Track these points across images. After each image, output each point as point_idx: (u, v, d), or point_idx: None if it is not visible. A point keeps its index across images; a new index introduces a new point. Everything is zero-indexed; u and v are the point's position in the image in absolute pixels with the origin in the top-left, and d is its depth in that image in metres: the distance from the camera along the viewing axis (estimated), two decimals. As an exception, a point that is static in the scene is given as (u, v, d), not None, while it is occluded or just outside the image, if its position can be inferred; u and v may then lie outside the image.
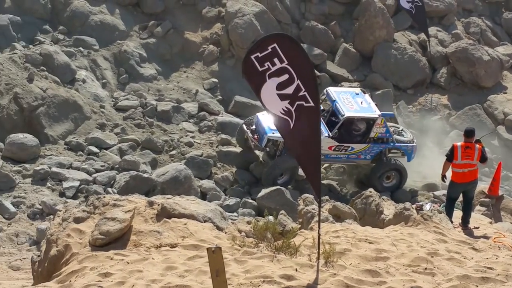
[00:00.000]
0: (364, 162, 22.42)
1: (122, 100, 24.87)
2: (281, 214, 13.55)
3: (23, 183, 20.50)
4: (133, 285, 9.23)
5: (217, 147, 23.57)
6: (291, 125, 9.62)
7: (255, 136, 21.68)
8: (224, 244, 10.74)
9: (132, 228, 11.14)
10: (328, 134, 21.27)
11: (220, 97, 26.43)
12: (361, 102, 22.04)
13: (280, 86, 9.50)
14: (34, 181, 20.60)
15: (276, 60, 9.45)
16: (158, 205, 11.78)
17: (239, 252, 10.34)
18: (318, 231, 10.17)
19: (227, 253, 10.13)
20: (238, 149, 23.23)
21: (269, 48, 9.45)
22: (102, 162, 21.84)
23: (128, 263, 10.05)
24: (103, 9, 27.42)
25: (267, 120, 21.07)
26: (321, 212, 11.17)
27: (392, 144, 22.23)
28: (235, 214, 20.16)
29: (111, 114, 24.18)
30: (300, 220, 13.20)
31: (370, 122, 21.80)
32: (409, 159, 22.72)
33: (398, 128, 23.34)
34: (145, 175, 21.14)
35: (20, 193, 20.00)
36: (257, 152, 22.82)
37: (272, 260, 9.95)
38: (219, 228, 11.85)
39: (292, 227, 12.19)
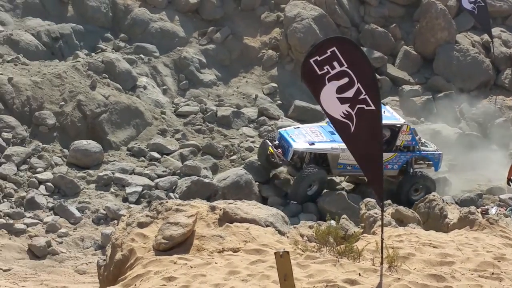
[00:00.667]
0: (392, 173, 21.44)
1: (183, 106, 25.08)
2: (343, 218, 13.48)
3: (87, 189, 20.81)
4: (196, 289, 9.29)
5: (278, 151, 23.53)
6: (352, 129, 9.56)
7: (279, 151, 20.86)
8: (286, 248, 10.72)
9: (195, 232, 11.21)
10: None
11: (279, 101, 26.43)
12: (384, 112, 21.53)
13: (340, 90, 9.45)
14: (98, 187, 20.89)
15: (335, 63, 9.40)
16: (220, 210, 11.84)
17: (301, 257, 10.33)
18: (381, 235, 10.08)
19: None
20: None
21: (328, 51, 9.40)
22: (164, 168, 22.04)
23: (191, 267, 10.12)
24: (163, 16, 27.69)
25: (291, 134, 20.93)
26: (384, 216, 11.08)
27: (418, 152, 21.51)
28: (296, 218, 20.11)
29: (172, 120, 24.39)
30: (362, 224, 13.12)
31: (395, 129, 21.12)
32: (436, 169, 21.93)
33: (421, 139, 22.36)
34: (206, 180, 21.25)
35: (85, 199, 20.31)
36: (279, 169, 22.36)
37: (335, 264, 9.91)
38: (281, 233, 11.85)
39: (354, 232, 12.13)
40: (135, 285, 9.98)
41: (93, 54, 25.65)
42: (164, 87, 25.74)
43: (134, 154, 22.73)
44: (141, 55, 26.21)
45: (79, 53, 25.54)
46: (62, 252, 18.16)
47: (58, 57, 25.44)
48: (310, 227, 12.95)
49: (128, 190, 20.81)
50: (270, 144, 21.13)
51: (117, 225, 12.54)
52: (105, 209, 19.92)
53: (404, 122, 21.24)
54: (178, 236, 10.99)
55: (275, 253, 3.83)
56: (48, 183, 20.55)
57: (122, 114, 23.44)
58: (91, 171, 21.45)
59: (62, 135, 22.66)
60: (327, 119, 21.14)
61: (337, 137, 19.92)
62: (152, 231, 11.56)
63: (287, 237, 11.72)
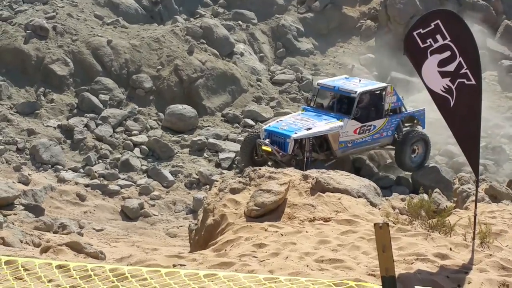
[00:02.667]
0: (387, 140, 20.23)
1: (279, 74, 25.08)
2: (436, 192, 13.28)
3: (181, 153, 21.10)
4: (286, 257, 9.31)
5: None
6: (451, 103, 9.38)
7: (276, 147, 18.74)
8: (377, 220, 10.65)
9: (286, 201, 11.22)
10: (350, 117, 19.35)
11: (375, 73, 26.15)
12: (359, 81, 20.42)
13: (442, 63, 9.28)
14: (191, 151, 21.16)
15: (438, 36, 9.22)
16: (313, 179, 11.81)
17: (392, 229, 10.22)
18: (475, 210, 9.89)
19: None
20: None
21: (432, 24, 9.23)
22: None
23: (282, 235, 10.15)
24: (263, -17, 27.70)
25: (280, 127, 19.16)
26: (478, 192, 10.87)
27: (406, 113, 20.39)
28: (388, 191, 19.93)
29: (267, 87, 24.44)
30: (455, 199, 12.89)
31: (381, 93, 20.01)
32: (423, 126, 20.62)
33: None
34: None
35: (178, 163, 20.61)
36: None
37: (426, 238, 9.78)
38: (372, 204, 11.76)
39: (446, 206, 11.94)
40: (226, 250, 10.07)
41: (191, 19, 25.86)
42: (261, 54, 25.79)
43: (228, 120, 22.90)
44: (239, 22, 26.29)
45: (178, 17, 25.80)
46: (154, 215, 18.49)
47: (157, 21, 25.76)
48: (402, 199, 12.80)
49: (221, 156, 21.01)
50: (265, 142, 18.98)
51: (209, 190, 12.66)
52: (197, 173, 20.17)
53: (388, 84, 20.31)
54: (269, 203, 11.02)
55: (374, 224, 3.79)
56: (142, 146, 20.94)
57: (218, 80, 23.61)
58: (185, 136, 21.73)
59: (158, 98, 22.99)
60: (302, 107, 20.70)
61: (326, 117, 19.61)
62: (244, 197, 11.62)
63: (379, 209, 11.63)
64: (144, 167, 20.26)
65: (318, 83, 20.76)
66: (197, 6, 26.73)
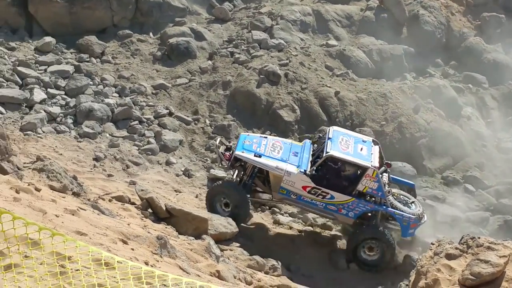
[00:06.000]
0: (347, 220, 18.02)
1: (506, 142, 24.33)
2: None
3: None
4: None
5: None
6: None
7: (227, 154, 18.20)
8: None
9: (504, 274, 10.85)
10: (304, 170, 17.53)
11: None
12: (361, 149, 17.91)
13: None
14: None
15: None
16: (534, 255, 11.34)
17: None
18: None
19: None
20: None
21: None
22: (477, 202, 21.55)
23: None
24: (498, 47, 27.14)
25: (246, 140, 18.34)
26: None
27: (383, 207, 17.61)
28: None
29: (492, 154, 23.78)
30: None
31: (358, 171, 17.55)
32: (403, 234, 17.91)
33: (409, 199, 18.62)
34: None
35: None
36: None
37: None
38: None
39: None
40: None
41: (420, 78, 25.81)
42: (489, 119, 25.19)
43: (447, 183, 22.50)
44: (469, 85, 25.91)
45: (407, 75, 25.85)
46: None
47: (385, 76, 25.90)
48: None
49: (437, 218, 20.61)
50: (223, 144, 18.74)
51: (424, 253, 12.49)
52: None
53: (371, 167, 17.35)
54: (486, 274, 10.70)
55: None
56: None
57: (441, 141, 23.30)
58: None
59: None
60: (305, 140, 18.87)
61: (293, 159, 17.88)
62: (460, 264, 11.36)
63: None
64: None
65: (330, 128, 19.02)
66: (427, 65, 26.65)
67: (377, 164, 17.60)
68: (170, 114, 22.84)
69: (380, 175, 17.42)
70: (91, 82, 23.35)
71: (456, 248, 11.85)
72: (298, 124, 23.15)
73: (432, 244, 12.70)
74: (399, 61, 26.39)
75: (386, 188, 17.74)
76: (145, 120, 22.28)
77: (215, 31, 26.72)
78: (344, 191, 17.57)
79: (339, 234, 19.35)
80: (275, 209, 19.74)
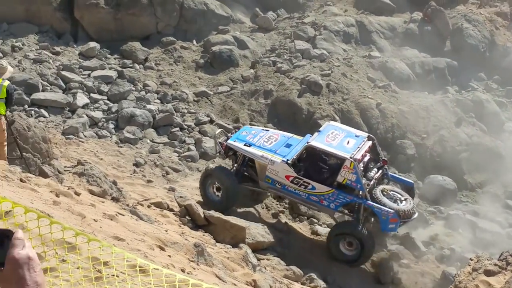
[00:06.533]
0: (328, 211, 18.11)
1: (549, 158, 24.10)
2: None
3: (434, 224, 20.75)
4: None
5: None
6: None
7: (224, 144, 18.58)
8: None
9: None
10: (287, 159, 17.62)
11: None
12: (348, 142, 17.76)
13: None
14: (446, 224, 20.74)
15: None
16: None
17: None
18: None
19: None
20: None
21: None
22: (519, 220, 21.34)
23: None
24: (543, 61, 26.89)
25: (244, 132, 19.03)
26: None
27: (363, 200, 17.25)
28: None
29: (533, 170, 23.54)
30: None
31: (336, 162, 17.39)
32: (383, 228, 17.49)
33: (402, 196, 18.09)
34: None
35: (432, 234, 20.24)
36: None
37: None
38: None
39: None
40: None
41: (463, 91, 25.61)
42: (532, 135, 24.94)
43: (487, 198, 22.24)
44: (512, 100, 25.69)
45: (449, 88, 25.68)
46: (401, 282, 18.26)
47: (428, 89, 25.75)
48: None
49: (478, 234, 20.37)
50: (224, 134, 19.21)
51: (462, 268, 12.39)
52: (449, 249, 19.71)
53: (350, 158, 17.03)
54: (525, 292, 10.60)
55: None
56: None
57: (483, 156, 23.07)
58: (441, 208, 21.38)
59: (418, 166, 22.88)
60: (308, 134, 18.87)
61: (283, 150, 18.09)
62: (498, 281, 11.26)
63: None
64: (397, 233, 20.13)
65: (327, 122, 19.27)
66: (470, 79, 26.44)
67: (359, 157, 17.39)
68: (211, 121, 22.96)
69: (358, 167, 17.12)
70: (133, 88, 23.58)
71: (495, 265, 11.75)
72: (338, 135, 23.09)
73: (471, 259, 12.60)
74: (442, 74, 26.24)
75: (371, 182, 17.68)
76: (186, 127, 22.42)
77: (258, 40, 26.81)
78: (325, 182, 17.57)
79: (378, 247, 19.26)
80: (313, 219, 19.68)
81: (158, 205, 16.04)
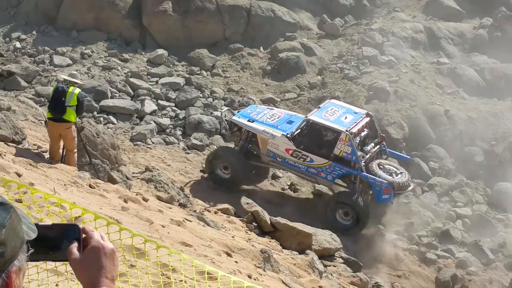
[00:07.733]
0: (325, 183, 19.12)
1: None
2: None
3: (504, 232, 20.42)
4: None
5: None
6: None
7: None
8: None
9: None
10: (287, 133, 18.66)
11: None
12: (345, 117, 18.85)
13: None
14: (514, 235, 20.42)
15: None
16: None
17: None
18: None
19: None
20: None
21: None
22: None
23: None
24: None
25: (249, 110, 20.13)
26: None
27: (358, 172, 18.25)
28: None
29: None
30: None
31: (333, 135, 18.46)
32: (377, 199, 18.47)
33: (398, 170, 19.07)
34: None
35: (500, 240, 19.93)
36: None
37: None
38: None
39: None
40: None
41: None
42: None
43: (559, 208, 21.79)
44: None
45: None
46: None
47: (497, 96, 25.34)
48: None
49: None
50: (231, 112, 20.30)
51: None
52: (517, 256, 19.39)
53: (345, 131, 18.15)
54: None
55: None
56: (465, 219, 20.58)
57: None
58: (510, 215, 21.01)
59: (487, 174, 22.51)
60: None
61: (284, 126, 19.04)
62: None
63: None
64: (465, 240, 19.89)
65: (329, 100, 20.67)
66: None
67: (355, 131, 18.34)
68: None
69: (353, 140, 18.09)
70: (201, 95, 23.80)
71: None
72: (406, 141, 22.90)
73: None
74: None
75: (367, 156, 18.62)
76: (252, 133, 22.52)
77: (325, 46, 26.79)
78: (322, 154, 18.56)
79: (446, 254, 19.07)
80: (380, 226, 19.57)
81: (225, 211, 16.16)
